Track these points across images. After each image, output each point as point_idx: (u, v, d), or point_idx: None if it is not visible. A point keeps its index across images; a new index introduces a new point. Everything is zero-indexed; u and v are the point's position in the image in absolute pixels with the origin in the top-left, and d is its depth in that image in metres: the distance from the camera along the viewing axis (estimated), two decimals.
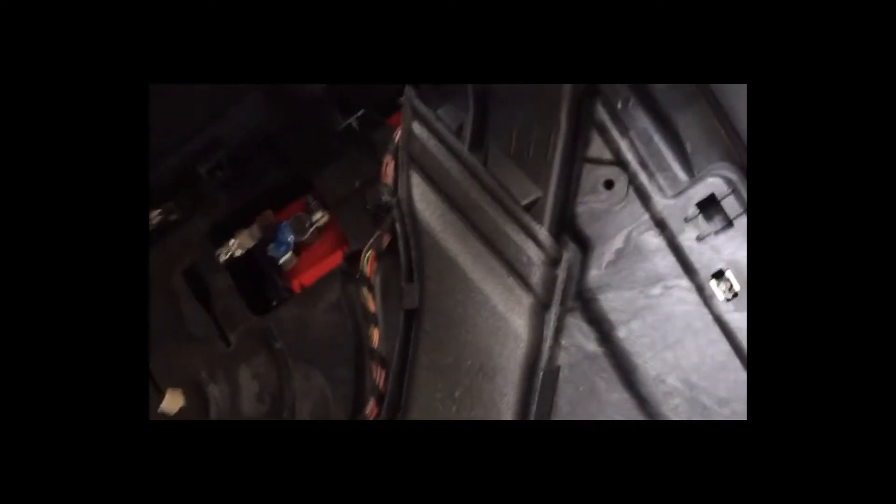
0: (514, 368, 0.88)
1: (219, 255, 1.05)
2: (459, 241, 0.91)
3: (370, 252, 0.96)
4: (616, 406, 0.90)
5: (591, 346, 0.92)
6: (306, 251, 1.05)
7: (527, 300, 0.89)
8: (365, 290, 0.96)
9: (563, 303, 0.91)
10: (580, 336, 0.92)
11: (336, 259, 1.03)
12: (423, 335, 0.91)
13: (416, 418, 0.90)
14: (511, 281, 0.89)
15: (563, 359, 0.92)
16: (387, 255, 0.98)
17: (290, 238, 1.03)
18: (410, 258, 0.92)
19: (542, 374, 0.89)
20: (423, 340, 0.91)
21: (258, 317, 1.03)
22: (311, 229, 1.03)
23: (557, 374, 0.91)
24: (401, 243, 0.93)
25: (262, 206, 1.05)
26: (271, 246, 1.04)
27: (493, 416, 0.88)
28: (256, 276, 1.07)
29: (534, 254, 0.89)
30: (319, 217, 1.03)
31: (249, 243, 1.04)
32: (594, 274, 0.91)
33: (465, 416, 0.88)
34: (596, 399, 0.91)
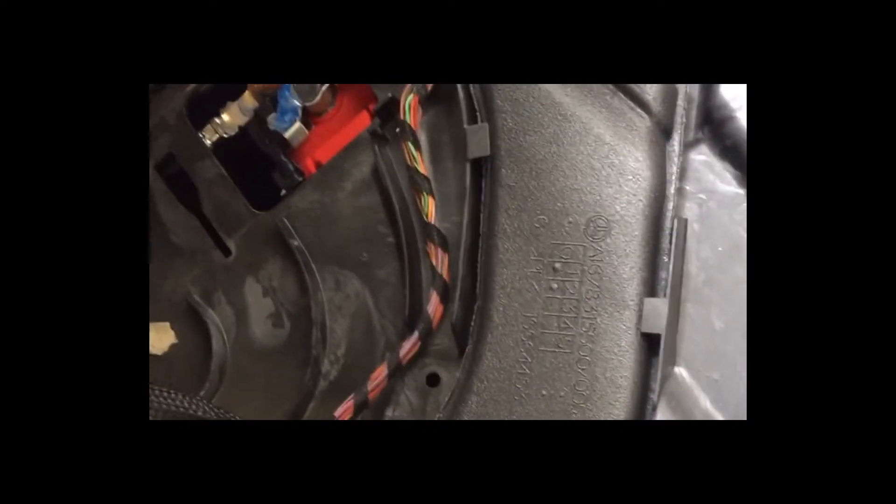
0: (637, 217, 0.67)
1: (203, 138, 0.86)
2: None
3: (412, 96, 0.74)
4: None
5: (730, 187, 0.71)
6: (319, 119, 0.85)
7: (642, 124, 0.68)
8: (410, 148, 0.75)
9: (686, 131, 0.70)
10: (712, 176, 0.72)
11: (361, 122, 0.82)
12: (502, 191, 0.69)
13: (501, 305, 0.68)
14: (618, 100, 0.68)
15: (689, 211, 0.71)
16: (432, 102, 0.76)
17: (296, 104, 0.84)
18: (471, 92, 0.71)
19: (672, 222, 0.67)
20: (501, 198, 0.69)
21: (264, 212, 0.83)
22: (324, 88, 0.84)
23: (686, 228, 0.70)
24: None
25: None
26: (272, 117, 0.85)
27: (613, 286, 0.66)
28: (256, 160, 0.87)
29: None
30: None
31: (242, 118, 0.86)
32: (728, 84, 0.70)
33: (572, 294, 0.67)
34: (743, 260, 0.69)
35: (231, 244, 0.84)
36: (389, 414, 0.76)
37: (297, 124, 0.84)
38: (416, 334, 0.74)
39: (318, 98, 0.83)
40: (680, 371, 0.69)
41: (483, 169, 0.71)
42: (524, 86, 0.69)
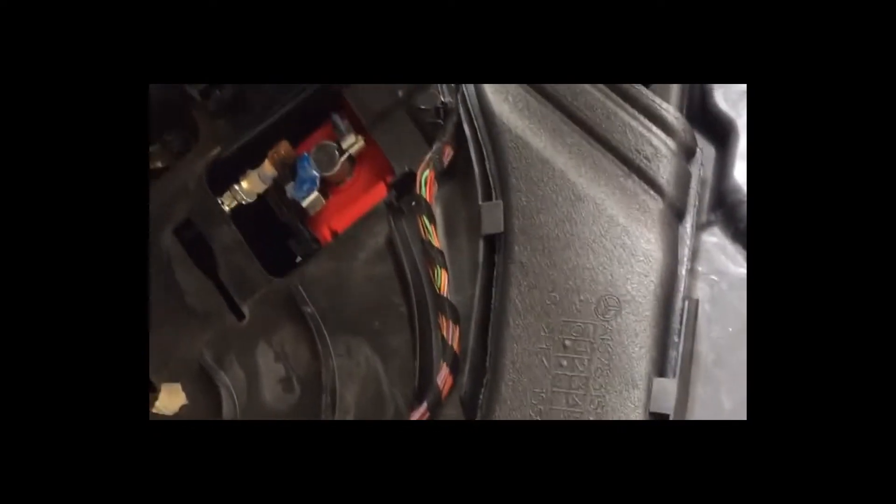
0: (648, 297, 0.68)
1: (222, 204, 0.87)
2: (554, 136, 0.72)
3: (428, 171, 0.76)
4: None
5: (741, 269, 0.72)
6: (337, 189, 0.87)
7: (655, 206, 0.69)
8: (425, 221, 0.76)
9: (698, 213, 0.71)
10: (723, 258, 0.73)
11: (377, 194, 0.84)
12: (515, 268, 0.71)
13: (511, 380, 0.69)
14: (632, 182, 0.70)
15: (700, 291, 0.72)
16: (449, 177, 0.78)
17: (315, 173, 0.86)
18: (487, 169, 0.73)
19: (683, 303, 0.68)
20: (514, 275, 0.71)
21: (278, 278, 0.84)
22: (342, 159, 0.83)
23: (697, 309, 0.71)
24: (472, 151, 0.75)
25: (274, 137, 0.86)
26: (290, 186, 0.87)
27: (623, 365, 0.67)
28: (273, 228, 0.87)
29: (660, 142, 0.69)
30: (352, 142, 0.84)
31: (261, 186, 0.88)
32: (741, 169, 0.71)
33: (581, 371, 0.68)
34: None
35: (245, 308, 0.85)
36: None
37: (315, 194, 0.85)
38: (425, 404, 0.74)
39: (336, 168, 0.85)
40: None
41: (496, 245, 0.72)
42: (537, 161, 0.71)
